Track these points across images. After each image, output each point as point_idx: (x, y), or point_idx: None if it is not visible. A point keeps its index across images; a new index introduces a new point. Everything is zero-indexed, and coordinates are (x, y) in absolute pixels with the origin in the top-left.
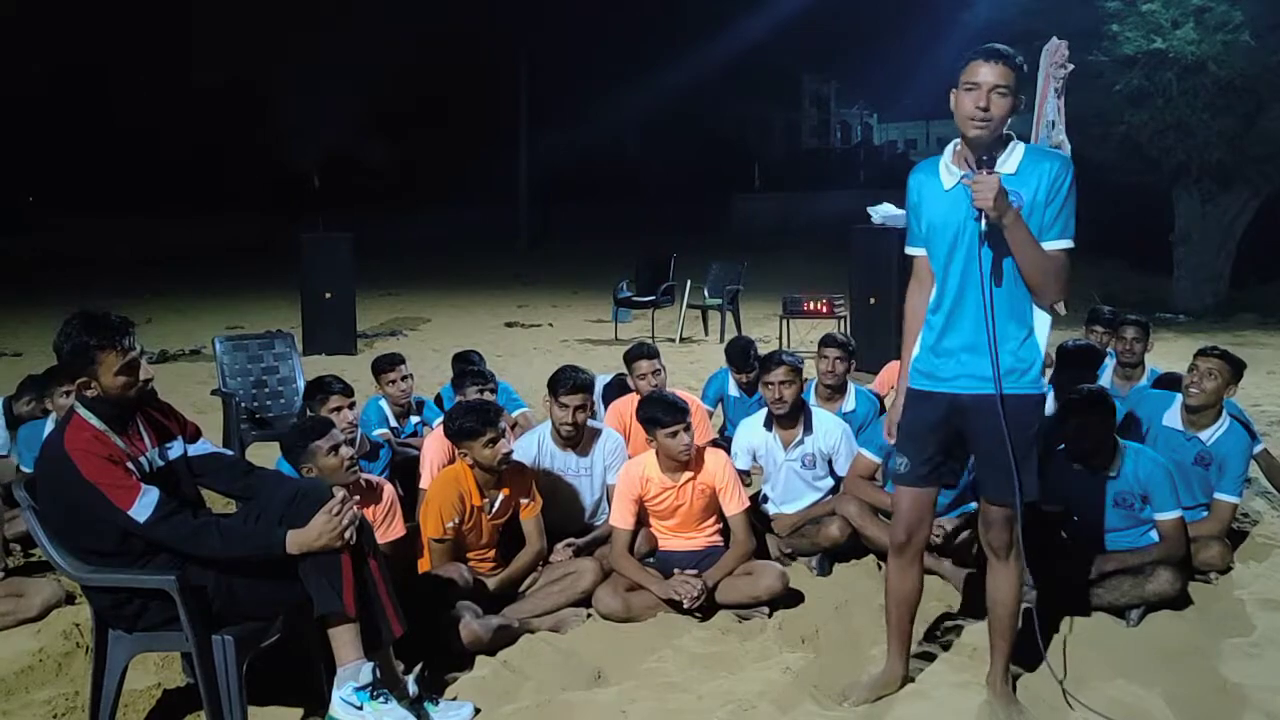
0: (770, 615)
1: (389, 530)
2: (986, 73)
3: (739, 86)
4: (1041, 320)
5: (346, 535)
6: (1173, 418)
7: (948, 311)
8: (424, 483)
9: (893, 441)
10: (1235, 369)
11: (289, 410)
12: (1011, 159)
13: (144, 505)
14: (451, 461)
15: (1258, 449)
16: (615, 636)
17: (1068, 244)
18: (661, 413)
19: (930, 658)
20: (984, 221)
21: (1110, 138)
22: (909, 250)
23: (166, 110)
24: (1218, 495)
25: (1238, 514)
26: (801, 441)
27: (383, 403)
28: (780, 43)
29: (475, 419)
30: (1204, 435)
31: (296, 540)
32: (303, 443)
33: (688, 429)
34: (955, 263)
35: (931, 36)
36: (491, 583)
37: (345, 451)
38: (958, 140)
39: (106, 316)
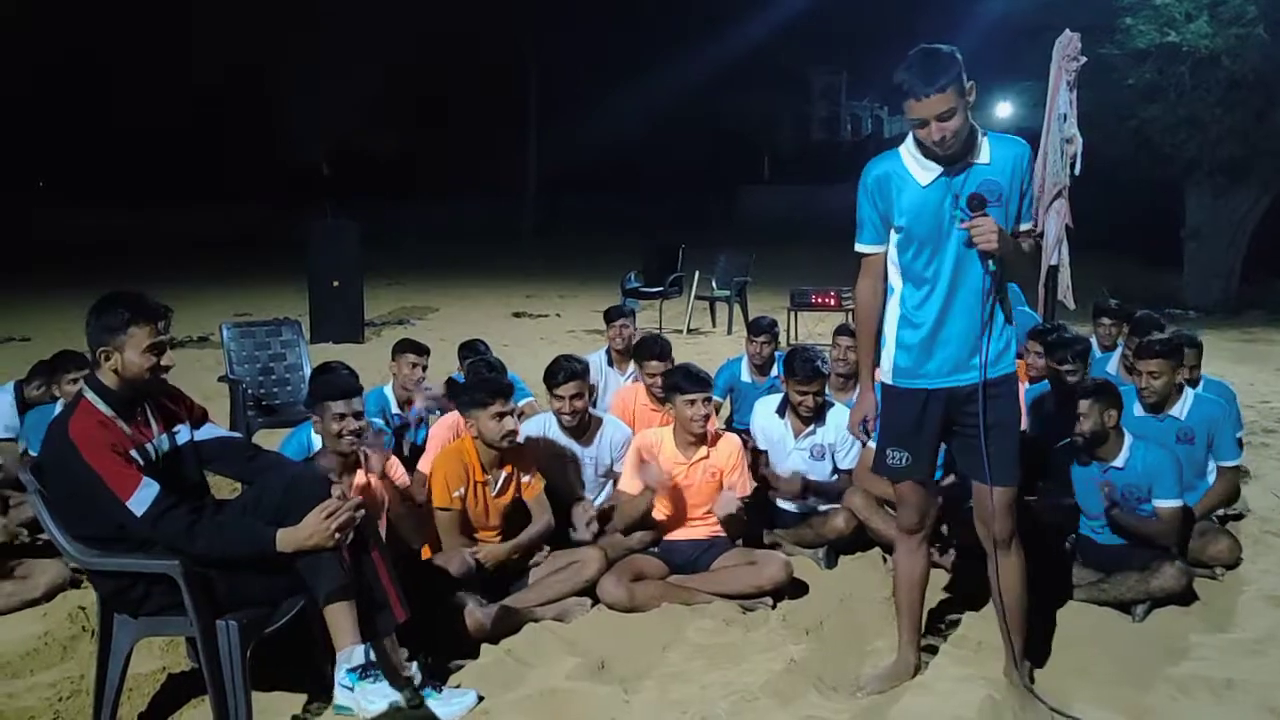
0: (774, 606)
1: (395, 477)
2: (923, 109)
3: (748, 79)
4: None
5: (338, 537)
6: (1140, 408)
7: (940, 307)
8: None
9: (863, 436)
10: (1174, 357)
11: (295, 398)
12: (983, 150)
13: (142, 498)
14: None
15: None
16: (619, 626)
17: (1032, 224)
18: (685, 380)
19: (934, 651)
20: (990, 262)
21: (1122, 132)
22: (862, 248)
23: (173, 100)
24: (1218, 463)
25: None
26: (813, 432)
27: (386, 390)
28: (790, 35)
29: (486, 390)
30: (1175, 411)
31: (287, 539)
32: (324, 396)
33: (707, 401)
34: (945, 260)
35: (944, 29)
36: (503, 549)
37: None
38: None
39: (147, 296)
